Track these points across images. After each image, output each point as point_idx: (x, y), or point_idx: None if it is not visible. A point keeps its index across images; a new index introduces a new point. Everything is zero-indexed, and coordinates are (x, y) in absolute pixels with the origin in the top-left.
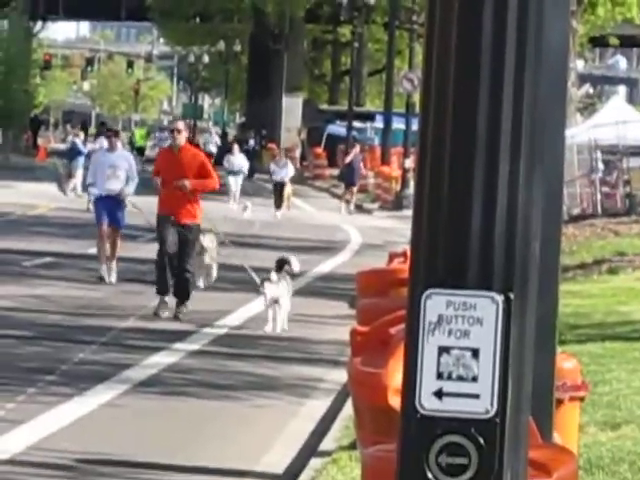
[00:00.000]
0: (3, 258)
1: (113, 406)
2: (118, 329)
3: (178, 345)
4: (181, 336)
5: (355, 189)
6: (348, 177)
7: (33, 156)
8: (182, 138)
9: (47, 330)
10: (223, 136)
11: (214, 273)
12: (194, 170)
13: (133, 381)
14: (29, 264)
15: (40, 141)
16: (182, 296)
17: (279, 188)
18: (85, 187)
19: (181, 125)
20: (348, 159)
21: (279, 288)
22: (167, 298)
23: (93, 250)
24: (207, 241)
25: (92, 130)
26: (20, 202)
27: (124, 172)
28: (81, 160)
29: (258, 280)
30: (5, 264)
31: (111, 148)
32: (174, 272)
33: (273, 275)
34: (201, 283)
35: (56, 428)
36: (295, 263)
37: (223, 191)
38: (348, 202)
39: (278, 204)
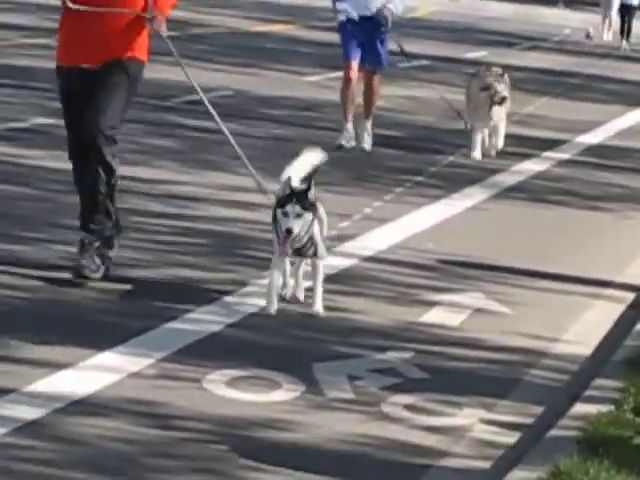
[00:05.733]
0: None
1: (479, 209)
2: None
3: (548, 153)
4: (552, 144)
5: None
6: None
7: None
8: None
9: (418, 133)
10: None
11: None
12: None
13: (501, 186)
14: (406, 65)
15: None
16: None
17: (625, 13)
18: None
19: None
20: None
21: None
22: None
23: (470, 54)
24: None
25: None
26: None
27: None
28: None
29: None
30: None
31: None
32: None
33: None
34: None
35: (421, 228)
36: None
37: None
38: None
39: (627, 33)
